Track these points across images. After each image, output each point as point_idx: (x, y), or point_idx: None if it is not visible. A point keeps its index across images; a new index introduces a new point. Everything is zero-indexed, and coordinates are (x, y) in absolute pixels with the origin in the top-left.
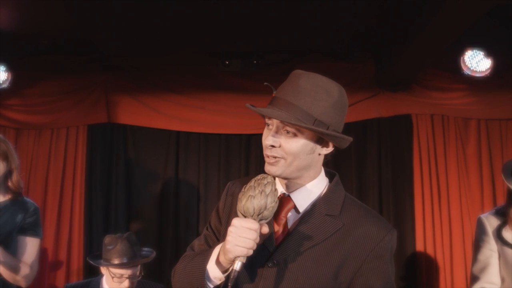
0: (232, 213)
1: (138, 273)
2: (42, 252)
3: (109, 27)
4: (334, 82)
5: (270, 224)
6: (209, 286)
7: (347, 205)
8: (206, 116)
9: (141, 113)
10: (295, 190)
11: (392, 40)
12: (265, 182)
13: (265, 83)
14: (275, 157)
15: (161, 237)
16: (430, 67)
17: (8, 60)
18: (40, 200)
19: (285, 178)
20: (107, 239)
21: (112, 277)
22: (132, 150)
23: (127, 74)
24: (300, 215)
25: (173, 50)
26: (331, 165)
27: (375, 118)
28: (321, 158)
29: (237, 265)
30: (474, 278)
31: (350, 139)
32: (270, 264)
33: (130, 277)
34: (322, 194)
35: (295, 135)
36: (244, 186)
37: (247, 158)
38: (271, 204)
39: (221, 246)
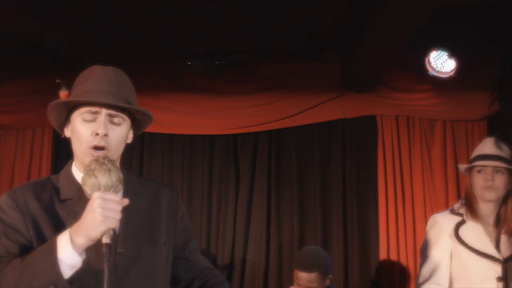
0: (37, 216)
1: None
2: None
3: (73, 29)
4: None
5: None
6: (64, 279)
7: (139, 182)
8: (170, 116)
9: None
10: None
11: (355, 41)
12: (110, 159)
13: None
14: (103, 148)
15: None
16: (395, 68)
17: None
18: None
19: None
20: None
21: None
22: None
23: None
24: None
25: (136, 50)
26: (297, 167)
27: (339, 119)
28: None
29: (107, 238)
30: (423, 278)
31: (151, 118)
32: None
33: None
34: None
35: (121, 123)
36: (89, 165)
37: (211, 158)
38: (121, 178)
39: (72, 231)
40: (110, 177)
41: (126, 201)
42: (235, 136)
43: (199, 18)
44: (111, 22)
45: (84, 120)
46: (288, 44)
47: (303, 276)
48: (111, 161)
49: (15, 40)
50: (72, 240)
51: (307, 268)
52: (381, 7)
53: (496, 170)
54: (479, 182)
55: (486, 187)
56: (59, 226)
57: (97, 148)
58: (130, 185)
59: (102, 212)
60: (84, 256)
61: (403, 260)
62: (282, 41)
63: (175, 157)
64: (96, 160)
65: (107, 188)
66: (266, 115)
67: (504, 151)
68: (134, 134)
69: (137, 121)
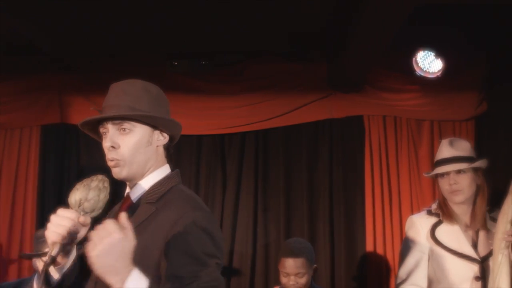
0: None
1: None
2: None
3: (61, 29)
4: (151, 83)
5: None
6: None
7: (169, 194)
8: None
9: (94, 113)
10: (134, 185)
11: (341, 41)
12: (95, 178)
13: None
14: (117, 160)
15: None
16: (382, 68)
17: None
18: None
19: (131, 179)
20: (39, 232)
21: None
22: (84, 150)
23: (80, 75)
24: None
25: (124, 50)
26: (284, 167)
27: (327, 119)
28: (161, 151)
29: (54, 251)
30: (400, 279)
31: (178, 123)
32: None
33: None
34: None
35: (130, 130)
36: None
37: (197, 159)
38: (93, 197)
39: None
40: (74, 196)
41: (82, 219)
42: (222, 136)
43: (185, 18)
44: (100, 23)
45: (102, 136)
46: (275, 44)
47: (290, 263)
48: (93, 181)
49: (5, 41)
50: None
51: (294, 254)
52: (363, 6)
53: (457, 171)
54: (444, 187)
55: (452, 191)
56: None
57: (109, 160)
58: (147, 195)
59: (49, 227)
60: (62, 271)
61: (390, 260)
62: (269, 41)
63: None
64: (86, 179)
65: (72, 206)
66: (254, 115)
67: (461, 150)
68: (169, 131)
69: (157, 124)
